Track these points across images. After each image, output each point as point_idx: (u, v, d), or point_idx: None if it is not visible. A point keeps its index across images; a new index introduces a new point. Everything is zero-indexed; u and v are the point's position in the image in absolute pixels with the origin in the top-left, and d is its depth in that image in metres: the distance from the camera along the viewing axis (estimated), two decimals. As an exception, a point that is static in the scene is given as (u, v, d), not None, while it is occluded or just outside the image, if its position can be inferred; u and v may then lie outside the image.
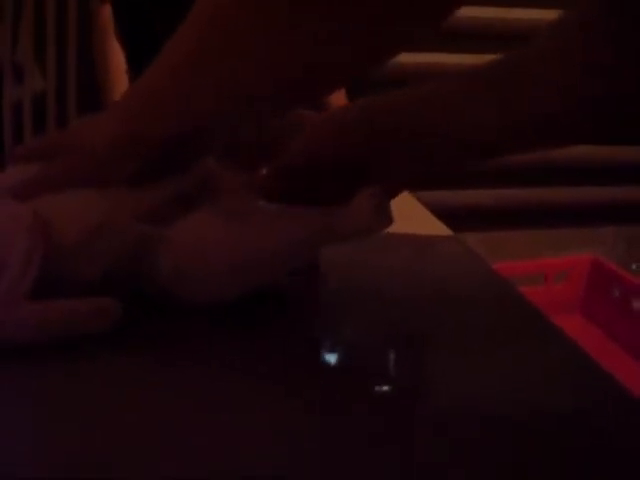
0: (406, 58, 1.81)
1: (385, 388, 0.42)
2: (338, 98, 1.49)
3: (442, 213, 0.77)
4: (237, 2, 0.39)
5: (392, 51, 0.41)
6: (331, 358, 0.45)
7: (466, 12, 1.77)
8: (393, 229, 0.47)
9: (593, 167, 1.97)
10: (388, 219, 0.47)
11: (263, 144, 0.55)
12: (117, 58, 1.40)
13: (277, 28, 0.38)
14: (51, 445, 0.35)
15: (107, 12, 1.42)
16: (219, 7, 0.40)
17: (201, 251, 0.46)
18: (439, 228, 0.72)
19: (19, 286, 0.42)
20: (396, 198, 0.53)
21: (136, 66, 1.39)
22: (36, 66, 1.49)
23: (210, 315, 0.47)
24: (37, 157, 0.48)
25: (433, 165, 0.52)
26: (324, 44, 0.39)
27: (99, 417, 0.38)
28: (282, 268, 0.48)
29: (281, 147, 0.53)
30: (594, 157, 1.93)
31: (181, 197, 0.48)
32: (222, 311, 0.47)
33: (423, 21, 0.39)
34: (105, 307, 0.44)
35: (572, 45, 0.51)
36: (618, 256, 2.00)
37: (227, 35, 0.40)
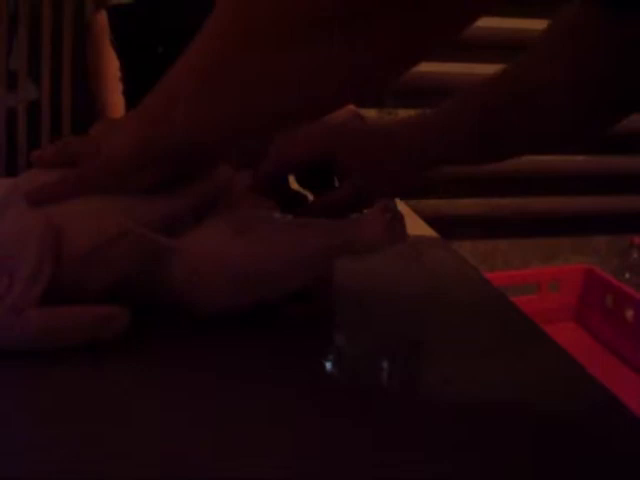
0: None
1: (381, 393, 0.42)
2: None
3: (434, 222, 0.77)
4: (250, 21, 0.39)
5: (411, 62, 0.41)
6: (330, 365, 0.45)
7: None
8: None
9: (586, 176, 1.97)
10: (401, 235, 0.47)
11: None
12: (111, 65, 1.40)
13: (299, 49, 0.38)
14: (51, 448, 0.35)
15: (102, 19, 1.42)
16: (238, 21, 0.40)
17: (214, 261, 0.46)
18: (432, 236, 0.72)
19: (30, 292, 0.42)
20: None
21: (130, 74, 1.39)
22: (29, 76, 1.49)
23: (222, 324, 0.46)
24: (56, 163, 0.48)
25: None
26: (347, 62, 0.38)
27: (102, 421, 0.38)
28: (293, 279, 0.47)
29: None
30: (587, 167, 1.94)
31: (196, 206, 0.48)
32: (234, 320, 0.47)
33: (441, 33, 0.39)
34: (114, 315, 0.44)
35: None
36: (611, 265, 2.01)
37: (244, 52, 0.39)
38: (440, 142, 0.58)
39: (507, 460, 0.37)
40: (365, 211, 0.52)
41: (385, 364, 0.47)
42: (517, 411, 0.42)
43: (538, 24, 1.95)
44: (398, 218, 0.47)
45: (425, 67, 1.89)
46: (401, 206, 0.81)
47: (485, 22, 1.84)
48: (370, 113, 1.95)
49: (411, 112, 1.88)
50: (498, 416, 0.41)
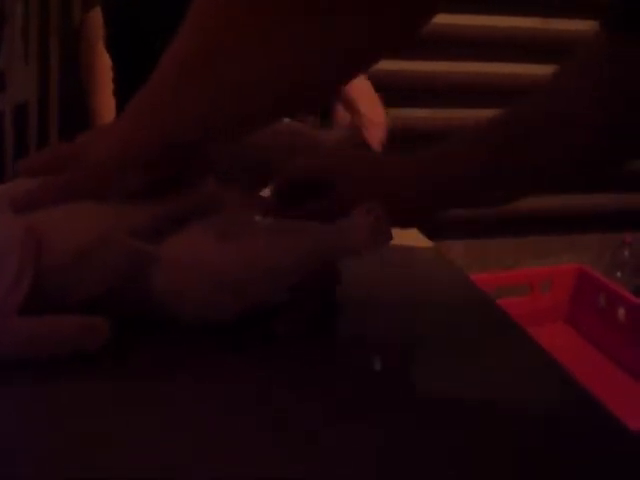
0: (387, 66, 1.82)
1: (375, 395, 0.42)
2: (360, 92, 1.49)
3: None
4: (226, 18, 0.38)
5: (371, 62, 0.41)
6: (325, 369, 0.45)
7: (450, 20, 1.78)
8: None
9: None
10: (386, 237, 0.46)
11: (263, 165, 0.55)
12: (103, 65, 1.39)
13: (271, 46, 0.38)
14: (41, 457, 0.35)
15: (96, 20, 1.41)
16: (213, 17, 0.39)
17: (196, 268, 0.45)
18: (418, 238, 0.72)
19: (10, 300, 0.41)
20: None
21: (123, 74, 1.38)
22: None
23: (209, 338, 0.46)
24: (43, 171, 0.47)
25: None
26: (310, 62, 0.38)
27: (91, 433, 0.37)
28: (278, 285, 0.47)
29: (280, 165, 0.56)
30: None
31: (179, 214, 0.47)
32: (219, 330, 0.46)
33: (399, 33, 0.39)
34: (95, 325, 0.43)
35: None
36: (603, 264, 2.01)
37: (223, 46, 0.39)
38: (455, 177, 0.57)
39: (490, 461, 0.37)
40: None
41: (377, 367, 0.46)
42: (498, 413, 0.41)
43: (540, 23, 1.94)
44: (382, 220, 0.46)
45: (425, 67, 1.90)
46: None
47: (488, 21, 1.81)
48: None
49: (412, 112, 1.86)
50: (479, 418, 0.41)
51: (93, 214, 0.45)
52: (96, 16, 1.40)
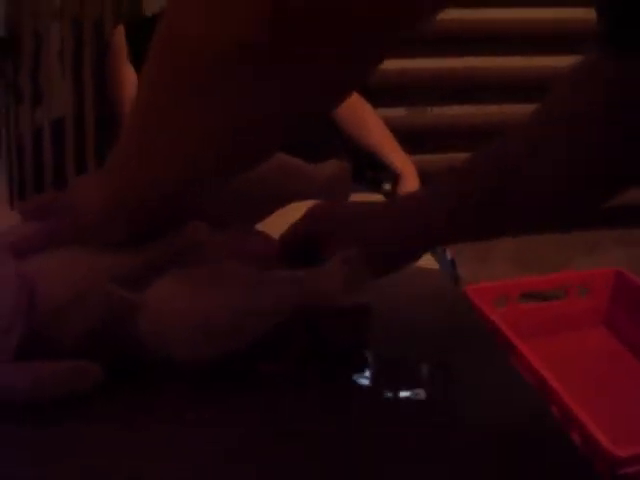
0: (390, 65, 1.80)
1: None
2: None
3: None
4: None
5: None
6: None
7: (452, 15, 1.75)
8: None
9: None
10: (360, 285, 0.48)
11: (255, 199, 0.56)
12: (130, 80, 1.41)
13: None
14: None
15: (120, 36, 1.44)
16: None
17: (176, 315, 0.47)
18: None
19: (4, 345, 0.43)
20: None
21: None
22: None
23: (193, 375, 0.47)
24: (37, 216, 0.49)
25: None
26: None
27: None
28: (255, 329, 0.48)
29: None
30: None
31: (163, 260, 0.48)
32: (205, 371, 0.47)
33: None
34: (84, 369, 0.45)
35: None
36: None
37: (173, 100, 0.39)
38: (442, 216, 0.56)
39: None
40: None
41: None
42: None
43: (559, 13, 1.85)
44: (358, 269, 0.48)
45: (452, 63, 1.87)
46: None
47: (509, 13, 1.74)
48: (398, 112, 1.93)
49: (442, 109, 1.81)
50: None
51: (80, 261, 0.47)
52: (121, 32, 1.43)
